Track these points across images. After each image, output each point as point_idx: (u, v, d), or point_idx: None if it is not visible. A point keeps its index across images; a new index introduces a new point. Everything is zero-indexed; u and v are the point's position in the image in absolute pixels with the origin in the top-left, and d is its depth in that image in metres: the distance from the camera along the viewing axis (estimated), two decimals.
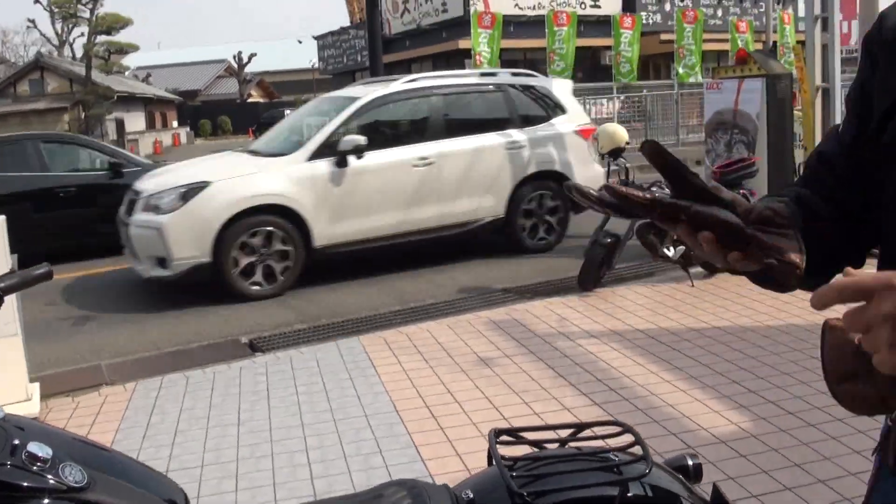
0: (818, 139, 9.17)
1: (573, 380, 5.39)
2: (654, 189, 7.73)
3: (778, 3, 27.26)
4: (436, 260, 9.75)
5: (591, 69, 29.40)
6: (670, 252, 7.82)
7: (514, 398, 5.11)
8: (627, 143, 8.23)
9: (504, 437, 1.85)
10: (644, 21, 26.31)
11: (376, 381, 5.54)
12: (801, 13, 32.89)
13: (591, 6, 30.32)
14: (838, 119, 9.16)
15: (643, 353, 5.88)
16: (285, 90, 66.33)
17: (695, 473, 1.97)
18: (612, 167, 8.12)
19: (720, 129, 9.67)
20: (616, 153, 8.01)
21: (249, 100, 62.80)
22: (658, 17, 31.00)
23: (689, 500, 1.85)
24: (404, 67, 33.60)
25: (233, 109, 57.59)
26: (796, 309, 6.73)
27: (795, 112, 9.55)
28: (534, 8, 29.33)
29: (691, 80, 24.74)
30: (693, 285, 7.76)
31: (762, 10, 29.85)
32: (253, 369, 5.97)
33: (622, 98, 24.33)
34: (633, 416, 4.74)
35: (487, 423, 4.73)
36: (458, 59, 28.88)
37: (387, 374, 5.67)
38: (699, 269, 8.04)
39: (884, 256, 1.32)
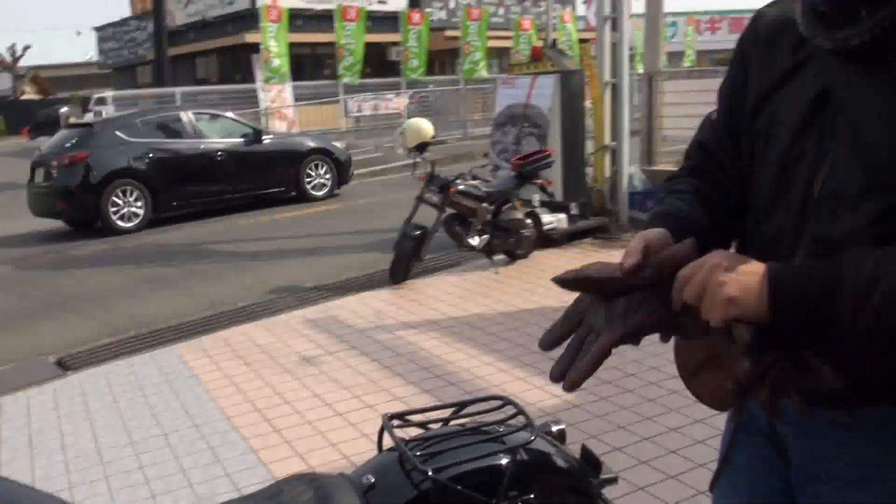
0: (608, 131, 9.71)
1: (400, 370, 5.49)
2: (458, 182, 7.97)
3: (559, 4, 28.56)
4: (236, 260, 9.60)
5: (379, 65, 29.64)
6: (475, 241, 8.08)
7: (344, 393, 5.14)
8: (433, 138, 8.40)
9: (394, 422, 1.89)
10: (430, 18, 26.78)
11: (201, 390, 5.39)
12: (580, 12, 34.46)
13: (379, 2, 30.56)
14: (626, 112, 9.76)
15: (462, 339, 6.05)
16: (63, 86, 62.20)
17: (560, 437, 2.09)
18: (418, 161, 8.25)
19: (509, 123, 10.02)
20: (422, 147, 8.16)
21: (23, 96, 58.54)
22: (443, 14, 31.69)
23: (567, 461, 1.98)
24: (188, 61, 32.52)
25: (4, 107, 53.61)
26: None
27: (586, 106, 10.04)
28: (321, 2, 29.19)
29: (476, 75, 25.45)
30: (497, 272, 8.05)
31: (542, 9, 31.19)
32: (68, 390, 5.62)
33: (410, 94, 24.69)
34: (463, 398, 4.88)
35: (321, 420, 4.75)
36: (245, 53, 28.26)
37: (210, 382, 5.52)
38: (502, 257, 8.35)
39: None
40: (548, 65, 9.82)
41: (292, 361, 5.82)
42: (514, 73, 10.32)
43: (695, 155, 1.63)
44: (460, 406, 2.02)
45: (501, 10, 33.42)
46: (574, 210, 9.41)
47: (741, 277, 1.16)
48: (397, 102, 24.14)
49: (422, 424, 1.95)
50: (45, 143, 14.83)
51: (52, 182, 12.62)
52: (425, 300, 7.22)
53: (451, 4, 32.50)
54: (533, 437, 1.86)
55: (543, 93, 9.64)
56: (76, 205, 12.58)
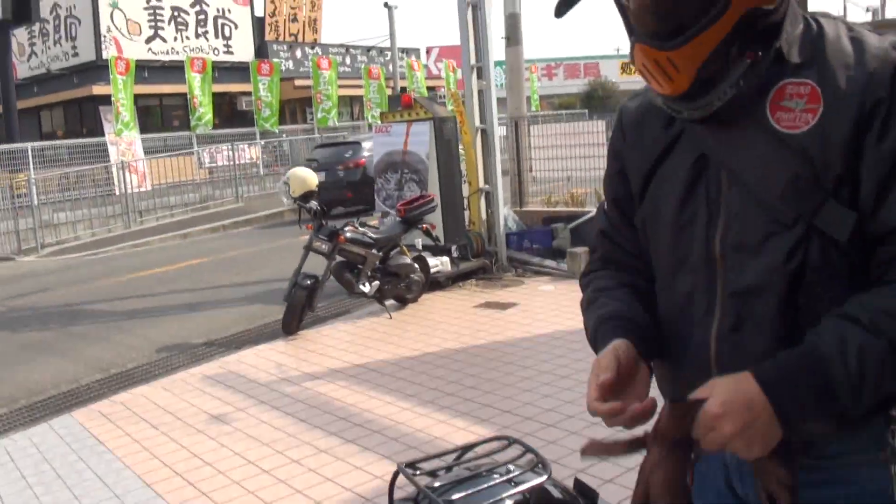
0: (481, 175, 9.95)
1: (317, 422, 5.41)
2: (346, 229, 7.96)
3: (404, 53, 28.98)
4: (117, 319, 9.23)
5: (230, 114, 29.23)
6: (366, 288, 8.08)
7: (266, 450, 5.02)
8: (318, 186, 8.37)
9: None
10: (282, 67, 26.70)
11: (111, 458, 5.13)
12: (425, 61, 35.04)
13: (225, 52, 30.21)
14: (498, 155, 10.02)
15: (372, 386, 6.03)
16: None
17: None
18: (304, 211, 8.19)
19: (390, 170, 10.14)
20: (307, 197, 8.11)
21: None
22: (290, 64, 31.58)
23: (566, 494, 2.03)
24: (33, 115, 31.20)
25: None
26: (492, 328, 7.27)
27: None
28: (168, 53, 28.59)
29: (329, 123, 25.51)
30: (391, 317, 8.07)
31: (388, 58, 31.63)
32: None
33: (263, 143, 24.46)
34: (391, 446, 4.87)
35: (249, 479, 4.62)
36: (91, 106, 27.30)
37: (120, 449, 5.27)
38: (392, 302, 8.38)
39: None
40: (420, 112, 9.98)
41: (202, 421, 5.64)
42: (388, 121, 10.42)
43: (602, 245, 1.73)
44: (467, 448, 2.02)
45: (349, 59, 33.64)
46: (455, 252, 9.57)
47: (750, 428, 1.23)
48: (251, 152, 23.83)
49: (433, 472, 1.95)
50: None
51: None
52: (324, 349, 7.15)
53: (298, 54, 32.47)
54: (548, 475, 1.87)
55: (420, 139, 9.80)
56: None
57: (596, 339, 1.54)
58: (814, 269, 1.33)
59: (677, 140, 1.50)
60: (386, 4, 27.89)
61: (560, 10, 1.43)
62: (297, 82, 29.45)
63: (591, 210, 10.56)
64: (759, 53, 1.35)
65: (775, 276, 1.35)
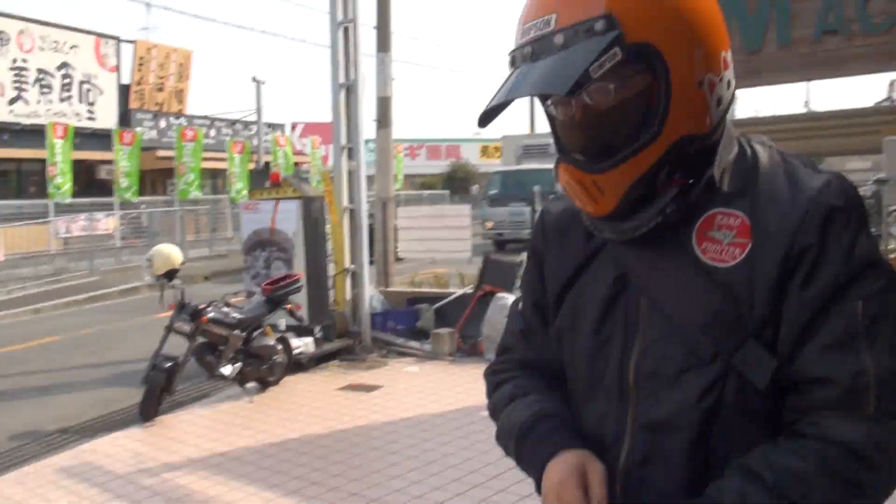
0: (347, 255, 10.00)
1: None
2: (209, 310, 7.84)
3: (270, 128, 28.98)
4: None
5: (88, 183, 28.36)
6: (227, 370, 7.93)
7: None
8: (183, 264, 8.24)
9: None
10: (141, 137, 26.18)
11: None
12: (289, 135, 35.05)
13: (88, 118, 29.42)
14: (365, 236, 10.11)
15: (234, 476, 5.90)
16: None
17: None
18: (167, 289, 8.02)
19: (258, 248, 10.06)
20: (171, 275, 7.96)
21: None
22: (154, 134, 31.02)
23: None
24: None
25: None
26: (357, 411, 7.26)
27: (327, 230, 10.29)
28: (29, 116, 27.60)
29: (191, 196, 25.10)
30: (252, 401, 7.94)
31: (253, 132, 31.54)
32: None
33: (121, 214, 23.86)
34: None
35: None
36: None
37: None
38: (254, 384, 8.25)
39: None
40: (289, 190, 10.00)
41: None
42: (256, 198, 10.38)
43: (519, 346, 1.66)
44: None
45: (213, 132, 33.31)
46: (318, 333, 9.52)
47: None
48: (108, 223, 23.15)
49: None
50: None
51: None
52: (184, 436, 6.96)
53: (162, 124, 31.97)
54: None
55: (287, 217, 9.80)
56: None
57: (528, 434, 1.47)
58: (729, 409, 1.30)
59: (598, 252, 1.47)
60: (254, 79, 27.93)
61: (483, 121, 1.39)
62: (160, 153, 28.88)
63: (455, 291, 10.75)
64: (690, 181, 1.34)
65: (689, 412, 1.31)
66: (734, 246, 1.31)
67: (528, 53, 1.29)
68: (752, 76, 5.46)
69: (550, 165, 16.16)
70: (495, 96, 1.32)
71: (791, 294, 1.27)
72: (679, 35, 1.28)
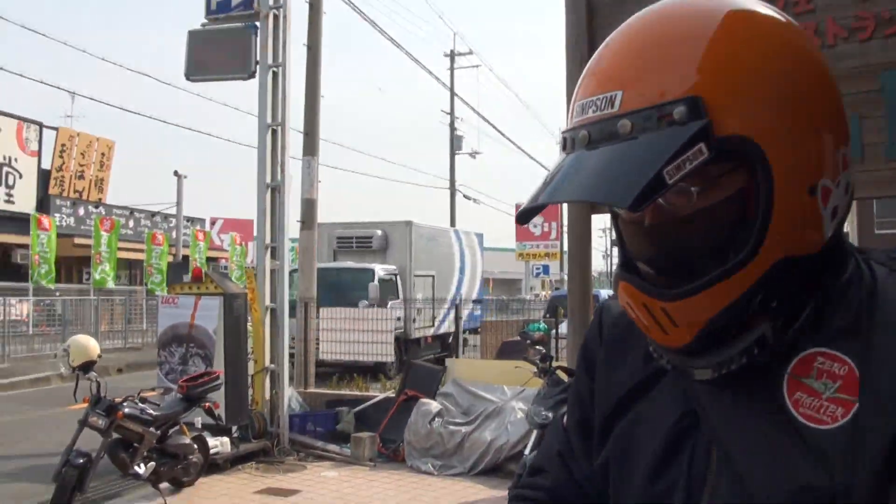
0: (268, 354, 9.93)
1: None
2: (125, 404, 7.66)
3: (189, 222, 28.79)
4: None
5: (3, 266, 27.61)
6: (141, 469, 7.71)
7: None
8: (100, 356, 8.07)
9: None
10: (58, 223, 25.77)
11: None
12: (208, 230, 34.86)
13: (6, 201, 28.81)
14: (286, 335, 10.06)
15: None
16: None
17: None
18: (83, 381, 7.82)
19: (175, 343, 9.92)
20: (87, 367, 7.77)
21: None
22: (72, 221, 30.52)
23: None
24: None
25: None
26: None
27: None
28: None
29: (107, 285, 24.69)
30: (166, 502, 7.71)
31: (172, 225, 31.33)
32: None
33: (35, 301, 23.25)
34: None
35: None
36: None
37: None
38: (167, 485, 8.03)
39: None
40: (211, 286, 9.94)
41: None
42: (176, 293, 10.28)
43: (553, 469, 1.36)
44: None
45: (132, 222, 32.96)
46: (236, 433, 9.36)
47: None
48: (21, 309, 22.51)
49: None
50: None
51: None
52: None
53: (81, 211, 31.50)
54: None
55: (208, 314, 9.71)
56: None
57: None
58: None
59: (662, 375, 1.16)
60: (176, 172, 27.86)
61: (523, 219, 1.10)
62: (77, 240, 28.38)
63: (376, 395, 10.71)
64: (788, 313, 1.03)
65: None
66: (836, 403, 0.98)
67: (584, 137, 1.00)
68: None
69: (372, 266, 18.10)
70: (539, 193, 1.03)
71: None
72: (787, 127, 0.98)
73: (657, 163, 0.91)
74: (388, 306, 16.34)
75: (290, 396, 10.31)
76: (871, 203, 30.09)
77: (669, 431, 1.11)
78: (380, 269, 18.91)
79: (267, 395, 9.99)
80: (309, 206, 12.15)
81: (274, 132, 10.26)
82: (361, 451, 9.26)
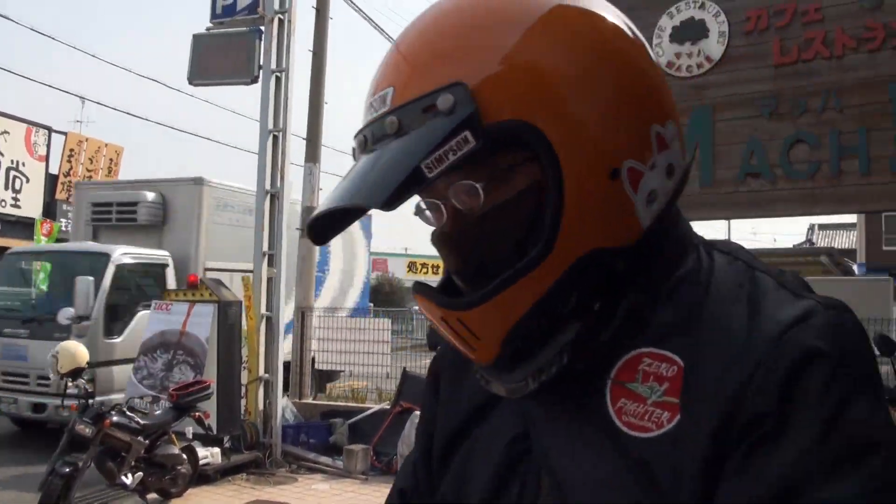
0: (262, 362, 9.76)
1: None
2: (113, 412, 7.50)
3: None
4: None
5: None
6: (128, 480, 7.54)
7: None
8: (89, 364, 7.91)
9: None
10: (63, 228, 25.72)
11: None
12: None
13: (13, 205, 28.75)
14: (281, 344, 9.91)
15: None
16: None
17: None
18: (71, 389, 7.67)
19: (161, 349, 9.72)
20: (76, 374, 7.62)
21: None
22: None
23: None
24: None
25: None
26: None
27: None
28: None
29: None
30: None
31: None
32: None
33: None
34: None
35: None
36: None
37: None
38: (155, 496, 7.86)
39: None
40: (205, 293, 9.79)
41: None
42: (170, 299, 10.11)
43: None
44: None
45: None
46: (227, 443, 9.19)
47: None
48: None
49: None
50: None
51: None
52: None
53: None
54: None
55: (201, 321, 9.55)
56: None
57: None
58: None
59: (498, 401, 1.04)
60: None
61: (313, 236, 0.98)
62: None
63: (371, 406, 10.54)
64: (597, 312, 0.92)
65: None
66: (662, 407, 0.88)
67: (362, 142, 0.93)
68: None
69: (110, 249, 11.39)
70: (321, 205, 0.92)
71: (723, 485, 0.83)
72: (569, 106, 0.88)
73: (416, 157, 0.83)
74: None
75: (285, 407, 10.14)
76: (879, 218, 30.07)
77: (501, 458, 1.00)
78: (123, 256, 11.21)
79: (260, 406, 9.81)
80: (308, 214, 12.00)
81: (275, 138, 10.13)
82: (354, 463, 9.08)
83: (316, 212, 0.91)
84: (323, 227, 0.97)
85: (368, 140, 0.91)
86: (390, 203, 0.82)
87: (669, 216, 0.96)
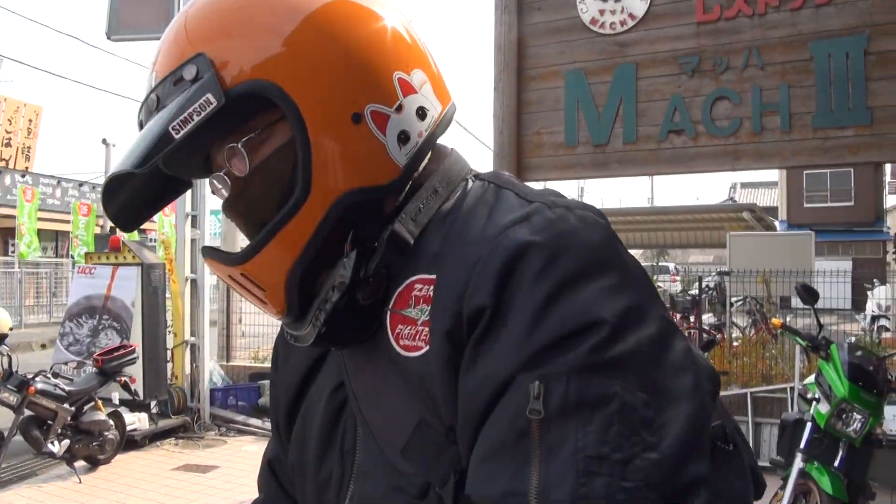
0: (187, 326, 9.63)
1: None
2: (38, 379, 7.32)
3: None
4: None
5: None
6: (55, 447, 7.40)
7: None
8: (11, 329, 7.71)
9: None
10: None
11: None
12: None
13: None
14: (207, 307, 9.77)
15: None
16: None
17: None
18: None
19: (86, 314, 9.54)
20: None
21: None
22: None
23: None
24: None
25: None
26: (192, 494, 6.90)
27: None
28: None
29: (30, 257, 23.92)
30: (81, 481, 7.41)
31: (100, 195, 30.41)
32: None
33: None
34: None
35: None
36: None
37: None
38: (83, 463, 7.73)
39: None
40: (128, 256, 9.59)
41: None
42: (93, 263, 9.89)
43: (264, 481, 1.32)
44: None
45: (59, 192, 32.01)
46: (154, 408, 9.07)
47: None
48: None
49: None
50: None
51: None
52: None
53: (7, 181, 30.50)
54: None
55: (125, 285, 9.39)
56: None
57: None
58: None
59: (323, 361, 1.12)
60: (104, 141, 27.12)
61: (111, 216, 1.08)
62: (2, 210, 27.50)
63: None
64: (364, 246, 1.00)
65: None
66: (426, 325, 0.95)
67: (139, 125, 1.02)
68: (599, 168, 5.60)
69: None
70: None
71: (461, 387, 0.90)
72: (303, 60, 0.96)
73: (165, 122, 0.94)
74: None
75: (212, 370, 10.03)
76: (800, 175, 30.77)
77: (325, 412, 1.07)
78: None
79: (187, 370, 9.69)
80: None
81: None
82: None
83: (103, 205, 1.03)
84: (126, 216, 1.09)
85: (142, 120, 1.02)
86: (143, 163, 0.92)
87: (435, 155, 1.06)
